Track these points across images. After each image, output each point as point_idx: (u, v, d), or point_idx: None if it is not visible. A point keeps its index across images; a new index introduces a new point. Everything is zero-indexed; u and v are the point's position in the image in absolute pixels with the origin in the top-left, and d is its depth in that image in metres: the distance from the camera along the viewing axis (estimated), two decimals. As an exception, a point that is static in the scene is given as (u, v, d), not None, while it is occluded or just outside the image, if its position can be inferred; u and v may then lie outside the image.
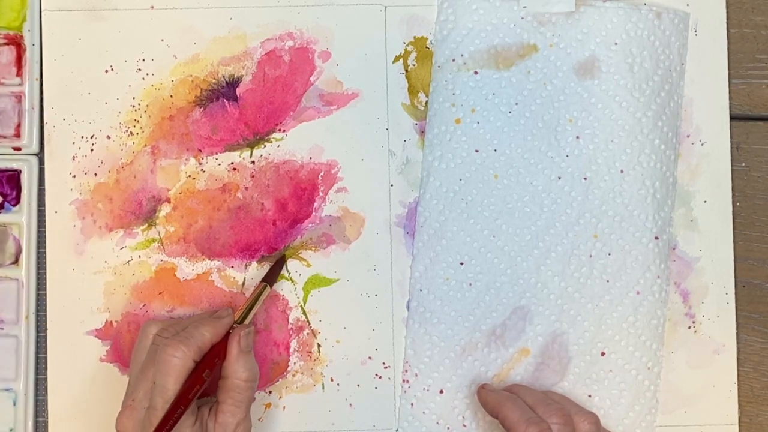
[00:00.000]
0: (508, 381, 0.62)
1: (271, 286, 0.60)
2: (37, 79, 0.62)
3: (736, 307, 0.63)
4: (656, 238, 0.62)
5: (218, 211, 0.62)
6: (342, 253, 0.62)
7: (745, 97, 0.64)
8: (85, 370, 0.61)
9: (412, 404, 0.62)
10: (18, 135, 0.62)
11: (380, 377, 0.62)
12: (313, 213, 0.63)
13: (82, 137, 0.62)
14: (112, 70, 0.62)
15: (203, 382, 0.55)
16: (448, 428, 0.62)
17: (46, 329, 0.62)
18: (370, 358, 0.62)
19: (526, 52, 0.63)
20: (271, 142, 0.63)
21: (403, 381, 0.62)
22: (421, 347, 0.62)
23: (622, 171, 0.62)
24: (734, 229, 0.64)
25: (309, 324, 0.62)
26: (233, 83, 0.63)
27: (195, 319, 0.58)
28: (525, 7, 0.62)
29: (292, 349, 0.62)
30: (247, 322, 0.58)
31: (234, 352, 0.56)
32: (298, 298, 0.62)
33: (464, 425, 0.62)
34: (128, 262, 0.62)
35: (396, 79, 0.63)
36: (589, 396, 0.62)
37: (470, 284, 0.62)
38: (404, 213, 0.63)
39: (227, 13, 0.63)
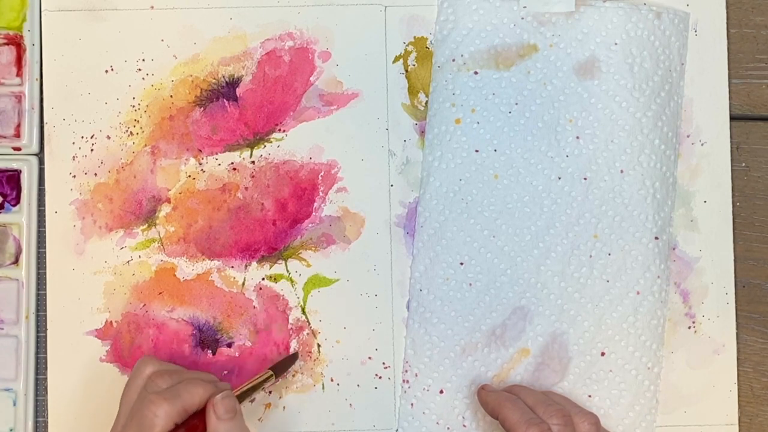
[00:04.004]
0: (508, 381, 0.62)
1: (277, 378, 0.60)
2: (37, 79, 0.62)
3: (736, 307, 0.63)
4: (656, 238, 0.62)
5: (218, 211, 0.62)
6: (342, 253, 0.62)
7: (745, 97, 0.64)
8: (85, 370, 0.61)
9: (412, 404, 0.62)
10: (18, 135, 0.62)
11: (380, 377, 0.62)
12: (313, 213, 0.63)
13: (82, 137, 0.62)
14: (112, 70, 0.62)
15: None
16: (448, 428, 0.62)
17: (46, 329, 0.62)
18: (370, 358, 0.62)
19: (526, 52, 0.63)
20: (271, 142, 0.63)
21: (403, 381, 0.62)
22: (421, 347, 0.62)
23: (622, 171, 0.62)
24: (734, 229, 0.64)
25: (309, 324, 0.62)
26: (233, 83, 0.63)
27: (193, 375, 0.56)
28: (525, 7, 0.62)
29: (292, 349, 0.62)
30: (235, 393, 0.56)
31: (212, 420, 0.53)
32: (298, 298, 0.62)
33: (464, 425, 0.62)
34: (128, 262, 0.62)
35: (396, 79, 0.63)
36: (589, 396, 0.62)
37: (470, 284, 0.62)
38: (404, 213, 0.63)
39: (227, 13, 0.63)
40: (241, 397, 0.57)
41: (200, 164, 0.62)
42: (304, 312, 0.62)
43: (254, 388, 0.58)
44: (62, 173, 0.62)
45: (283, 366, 0.61)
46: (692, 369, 0.63)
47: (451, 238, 0.62)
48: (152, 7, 0.63)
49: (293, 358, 0.61)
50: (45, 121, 0.62)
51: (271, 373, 0.59)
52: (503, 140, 0.62)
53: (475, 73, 0.62)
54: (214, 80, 0.63)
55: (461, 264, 0.62)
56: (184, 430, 0.53)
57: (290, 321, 0.62)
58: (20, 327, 0.61)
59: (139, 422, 0.52)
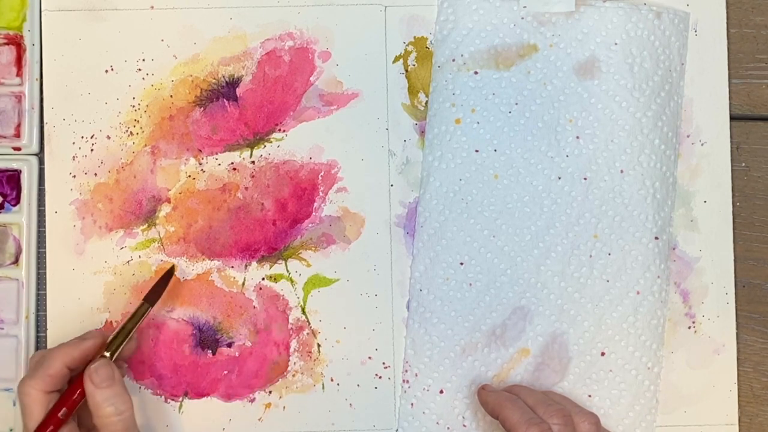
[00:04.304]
0: (508, 381, 0.62)
1: (152, 306, 0.58)
2: (37, 79, 0.62)
3: (736, 307, 0.63)
4: (656, 238, 0.62)
5: (218, 211, 0.62)
6: (342, 253, 0.62)
7: (745, 97, 0.64)
8: (85, 370, 0.61)
9: (412, 404, 0.62)
10: (18, 135, 0.62)
11: (380, 377, 0.62)
12: (313, 213, 0.63)
13: (82, 137, 0.62)
14: (112, 70, 0.62)
15: (60, 422, 0.53)
16: (448, 428, 0.62)
17: (46, 329, 0.62)
18: (370, 358, 0.62)
19: (526, 52, 0.63)
20: (271, 142, 0.63)
21: (403, 381, 0.62)
22: (421, 347, 0.62)
23: (622, 171, 0.62)
24: (734, 229, 0.64)
25: (309, 324, 0.62)
26: (233, 83, 0.63)
27: (58, 345, 0.55)
28: (525, 7, 0.62)
29: (292, 349, 0.62)
30: (109, 352, 0.55)
31: (90, 388, 0.53)
32: (298, 298, 0.62)
33: (464, 425, 0.62)
34: (128, 262, 0.62)
35: (396, 79, 0.63)
36: (589, 396, 0.62)
37: (470, 284, 0.62)
38: (404, 213, 0.63)
39: (227, 13, 0.63)
40: (119, 340, 0.56)
41: (200, 164, 0.62)
42: (304, 312, 0.62)
43: (129, 327, 0.56)
44: (62, 173, 0.62)
45: (158, 289, 0.58)
46: (692, 369, 0.63)
47: (451, 238, 0.62)
48: (152, 7, 0.63)
49: (168, 275, 0.59)
50: (45, 121, 0.62)
51: (144, 304, 0.57)
52: (503, 140, 0.62)
53: (475, 73, 0.62)
54: (214, 80, 0.63)
55: (461, 264, 0.62)
56: (60, 403, 0.53)
57: (290, 321, 0.62)
58: (20, 327, 0.61)
59: (21, 410, 0.53)
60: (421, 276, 0.62)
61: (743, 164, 0.64)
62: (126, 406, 0.54)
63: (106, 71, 0.62)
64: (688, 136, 0.64)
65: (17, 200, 0.62)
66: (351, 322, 0.62)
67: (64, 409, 0.53)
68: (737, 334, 0.63)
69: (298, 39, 0.63)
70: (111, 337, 0.56)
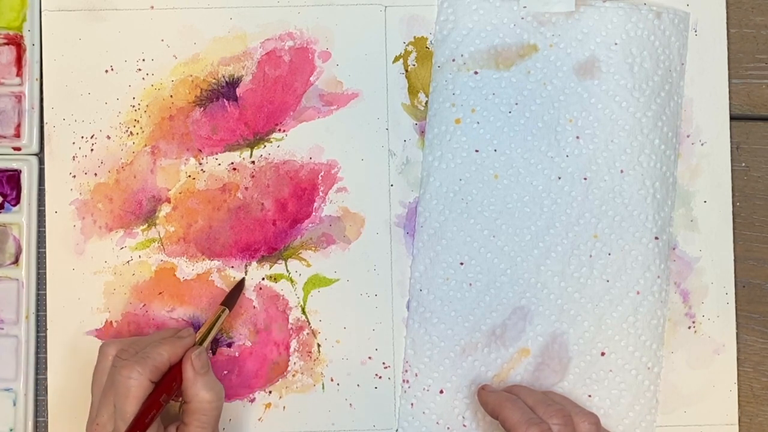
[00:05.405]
0: (508, 381, 0.62)
1: (230, 310, 0.60)
2: (37, 79, 0.62)
3: (736, 307, 0.63)
4: (656, 238, 0.62)
5: (218, 211, 0.62)
6: (342, 253, 0.62)
7: (745, 97, 0.64)
8: (85, 370, 0.61)
9: (412, 404, 0.62)
10: (18, 135, 0.62)
11: (380, 377, 0.62)
12: (313, 213, 0.63)
13: (82, 137, 0.62)
14: (112, 70, 0.62)
15: (161, 406, 0.54)
16: (448, 428, 0.62)
17: (46, 329, 0.62)
18: (370, 358, 0.62)
19: (526, 52, 0.63)
20: (271, 142, 0.63)
21: (403, 381, 0.62)
22: (421, 347, 0.62)
23: (622, 171, 0.62)
24: (734, 229, 0.64)
25: (309, 324, 0.62)
26: (233, 83, 0.63)
27: (155, 338, 0.57)
28: (525, 7, 0.62)
29: (292, 349, 0.62)
30: (205, 344, 0.58)
31: (190, 375, 0.55)
32: (298, 298, 0.62)
33: (464, 425, 0.62)
34: (128, 262, 0.62)
35: (396, 79, 0.63)
36: (589, 396, 0.62)
37: (470, 284, 0.62)
38: (404, 213, 0.63)
39: (227, 13, 0.63)
40: (204, 339, 0.58)
41: (200, 164, 0.62)
42: (304, 312, 0.62)
43: (213, 328, 0.59)
44: (62, 173, 0.62)
45: (232, 297, 0.61)
46: (692, 369, 0.63)
47: (451, 238, 0.62)
48: (152, 7, 0.63)
49: (241, 285, 0.61)
50: (45, 121, 0.62)
51: (224, 308, 0.59)
52: (503, 140, 0.62)
53: (475, 73, 0.62)
54: (214, 80, 0.63)
55: (461, 264, 0.62)
56: (161, 389, 0.54)
57: (290, 321, 0.62)
58: (20, 327, 0.61)
59: (116, 391, 0.54)
60: (421, 276, 0.62)
61: (743, 164, 0.64)
62: (221, 393, 0.56)
63: (106, 71, 0.62)
64: (688, 136, 0.64)
65: (17, 200, 0.62)
66: (351, 322, 0.62)
67: (164, 395, 0.55)
68: (737, 334, 0.63)
69: (298, 39, 0.63)
70: (198, 335, 0.58)
